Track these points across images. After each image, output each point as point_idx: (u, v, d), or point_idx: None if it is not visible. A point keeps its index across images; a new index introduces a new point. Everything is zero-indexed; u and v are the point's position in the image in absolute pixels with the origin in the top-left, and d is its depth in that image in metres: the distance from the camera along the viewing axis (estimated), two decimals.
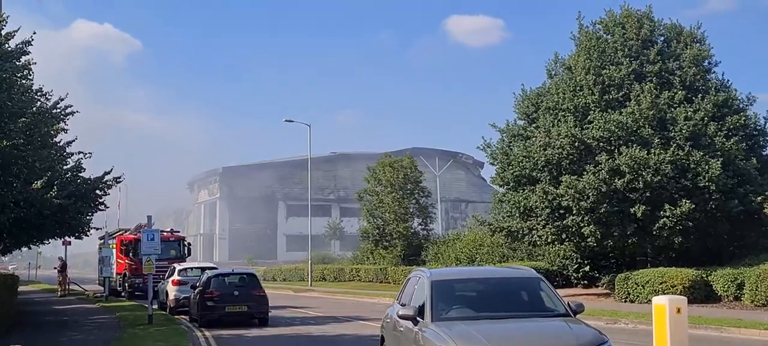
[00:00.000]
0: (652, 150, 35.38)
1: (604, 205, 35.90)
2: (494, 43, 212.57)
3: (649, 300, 22.54)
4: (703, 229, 36.54)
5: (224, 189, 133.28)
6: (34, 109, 33.36)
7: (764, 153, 39.59)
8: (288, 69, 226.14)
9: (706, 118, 36.24)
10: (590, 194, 35.61)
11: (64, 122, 37.33)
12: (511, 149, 41.14)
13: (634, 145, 35.44)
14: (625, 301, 36.02)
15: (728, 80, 40.06)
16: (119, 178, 38.53)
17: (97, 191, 37.70)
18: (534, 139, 38.82)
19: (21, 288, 48.53)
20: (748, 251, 37.19)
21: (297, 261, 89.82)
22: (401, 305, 14.79)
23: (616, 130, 36.15)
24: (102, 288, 54.38)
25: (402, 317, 13.58)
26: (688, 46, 39.28)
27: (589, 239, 37.41)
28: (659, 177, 34.91)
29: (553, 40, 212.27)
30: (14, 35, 30.88)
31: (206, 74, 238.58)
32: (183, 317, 35.71)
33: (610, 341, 11.97)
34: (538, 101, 41.41)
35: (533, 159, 38.26)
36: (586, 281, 44.65)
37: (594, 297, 38.91)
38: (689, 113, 36.27)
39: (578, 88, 38.86)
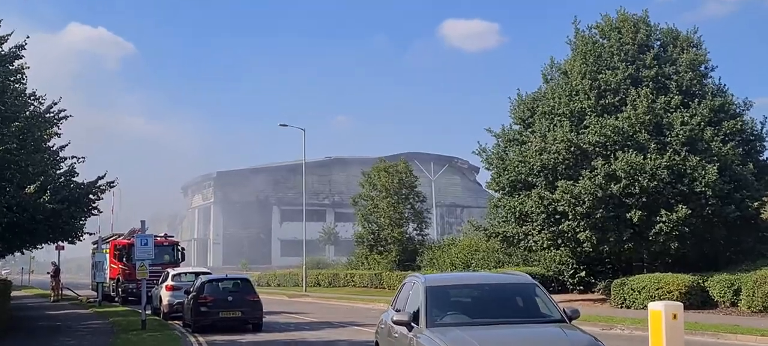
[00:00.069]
0: (649, 155, 35.42)
1: (600, 210, 35.92)
2: (490, 47, 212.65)
3: (646, 306, 22.59)
4: (699, 234, 36.58)
5: (218, 194, 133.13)
6: (27, 113, 33.37)
7: (761, 158, 39.66)
8: (282, 73, 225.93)
9: (702, 123, 36.28)
10: (586, 199, 35.64)
11: (58, 127, 37.38)
12: (507, 154, 41.16)
13: (631, 150, 35.49)
14: (622, 307, 36.04)
15: (725, 85, 40.26)
16: (113, 182, 38.51)
17: (91, 196, 37.69)
18: (530, 143, 38.84)
19: (14, 293, 48.45)
20: (745, 256, 37.23)
21: (291, 266, 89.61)
22: (396, 310, 14.78)
23: (612, 135, 36.19)
24: (95, 293, 54.32)
25: (396, 323, 13.57)
26: (685, 51, 39.34)
27: (585, 245, 37.45)
28: (655, 182, 34.94)
29: (549, 45, 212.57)
30: (7, 39, 30.91)
31: (200, 78, 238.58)
32: (176, 322, 35.62)
33: None
34: (534, 106, 41.44)
35: (529, 164, 38.28)
36: (582, 287, 44.62)
37: (590, 303, 38.93)
38: (686, 118, 36.31)
39: (574, 92, 38.91)
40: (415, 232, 66.81)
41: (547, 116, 39.41)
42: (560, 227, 37.43)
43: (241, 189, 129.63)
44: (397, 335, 13.81)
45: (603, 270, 43.21)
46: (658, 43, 40.74)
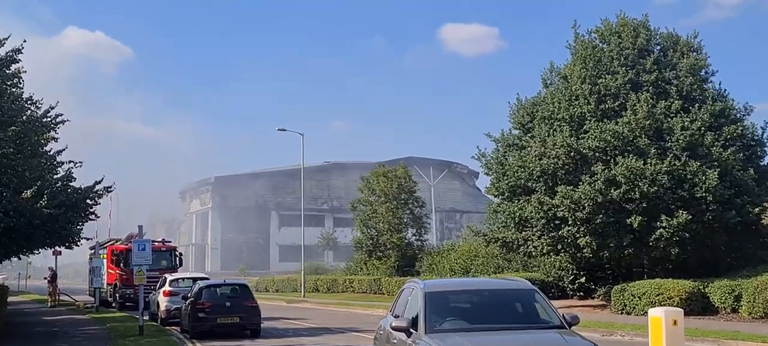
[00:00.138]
0: (649, 160, 35.39)
1: (600, 215, 35.88)
2: (489, 51, 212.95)
3: (646, 312, 22.57)
4: (700, 240, 36.54)
5: (216, 199, 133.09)
6: (24, 117, 33.41)
7: (762, 163, 39.61)
8: (281, 77, 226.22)
9: (703, 128, 36.25)
10: (586, 205, 35.61)
11: (55, 131, 37.34)
12: (506, 159, 41.13)
13: (631, 156, 35.45)
14: (622, 313, 36.00)
15: (725, 90, 40.15)
16: (110, 187, 38.50)
17: (88, 201, 37.67)
18: (529, 149, 38.81)
19: (11, 299, 48.45)
20: (746, 262, 37.20)
21: (290, 272, 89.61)
22: (394, 316, 14.76)
23: (612, 140, 36.16)
24: (92, 299, 54.30)
25: (395, 329, 13.55)
26: (685, 56, 39.30)
27: (584, 250, 37.41)
28: (656, 188, 34.91)
29: (549, 49, 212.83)
30: (4, 43, 30.91)
31: (198, 83, 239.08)
32: (174, 328, 35.65)
33: None
34: (534, 111, 41.41)
35: (528, 169, 38.24)
36: (581, 293, 44.59)
37: (590, 309, 38.90)
38: (686, 123, 36.29)
39: (574, 97, 38.87)
40: (414, 237, 66.80)
41: (547, 121, 39.39)
42: (560, 232, 37.40)
43: (239, 194, 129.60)
44: (395, 341, 13.79)
45: (603, 276, 43.16)
46: (658, 47, 40.70)
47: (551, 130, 38.56)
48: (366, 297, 58.82)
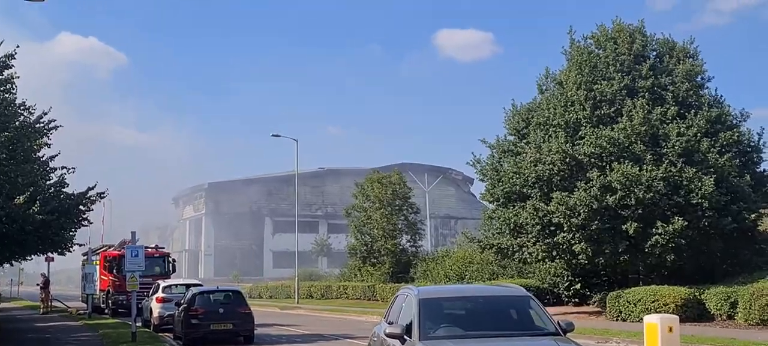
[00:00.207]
0: (645, 166, 35.43)
1: (596, 222, 35.93)
2: (484, 57, 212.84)
3: (641, 319, 22.60)
4: (696, 246, 36.59)
5: (210, 205, 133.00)
6: (17, 123, 33.38)
7: (758, 170, 39.65)
8: (275, 83, 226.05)
9: (699, 135, 36.30)
10: (581, 211, 35.65)
11: (48, 137, 37.38)
12: (501, 165, 41.16)
13: (626, 162, 35.49)
14: (617, 319, 36.00)
15: (721, 96, 40.20)
16: (103, 193, 38.53)
17: (81, 207, 37.71)
18: (524, 155, 38.85)
19: (3, 305, 48.56)
20: (742, 269, 37.22)
21: (284, 278, 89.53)
22: (388, 323, 14.76)
23: (608, 146, 36.21)
24: (85, 305, 54.26)
25: (389, 336, 13.56)
26: (681, 61, 39.38)
27: (580, 257, 37.44)
28: (651, 194, 34.95)
29: (544, 55, 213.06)
30: None
31: (192, 89, 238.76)
32: (167, 334, 35.60)
33: None
34: (529, 117, 41.48)
35: (524, 175, 38.27)
36: (577, 299, 44.59)
37: (585, 315, 38.90)
38: (682, 129, 36.35)
39: (569, 103, 38.92)
40: (408, 243, 66.73)
41: (542, 127, 39.43)
42: (555, 238, 37.41)
43: (233, 200, 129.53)
44: None
45: (598, 282, 43.15)
46: (654, 53, 40.79)
47: (546, 136, 38.60)
48: (360, 304, 58.80)
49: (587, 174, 36.39)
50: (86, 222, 39.58)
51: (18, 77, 32.40)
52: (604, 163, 36.42)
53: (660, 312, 29.90)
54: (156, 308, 38.62)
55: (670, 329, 17.07)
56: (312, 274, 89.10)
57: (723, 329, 30.83)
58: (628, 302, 35.71)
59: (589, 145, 36.49)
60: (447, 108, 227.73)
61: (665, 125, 36.87)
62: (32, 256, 44.53)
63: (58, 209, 34.75)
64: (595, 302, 42.24)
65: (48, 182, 36.73)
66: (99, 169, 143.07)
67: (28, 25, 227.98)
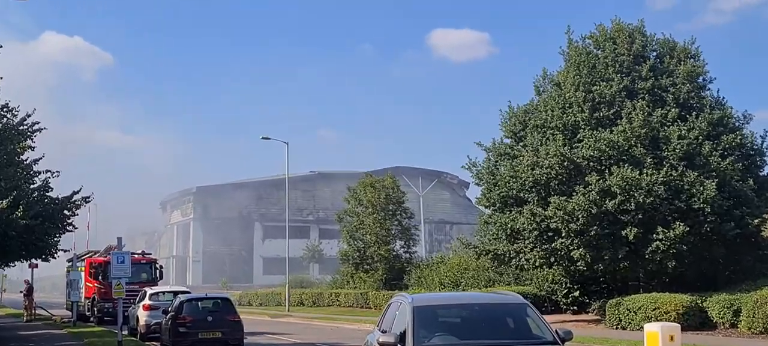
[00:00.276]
0: (645, 170, 35.41)
1: (595, 227, 35.91)
2: (480, 57, 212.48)
3: (642, 327, 22.61)
4: (697, 253, 36.56)
5: (198, 209, 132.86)
6: (0, 126, 33.34)
7: (761, 173, 39.65)
8: (265, 84, 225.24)
9: (700, 137, 36.30)
10: (580, 216, 35.62)
11: (31, 139, 37.33)
12: (498, 169, 41.15)
13: (626, 165, 35.46)
14: (617, 328, 35.99)
15: (723, 97, 40.20)
16: (88, 197, 38.53)
17: (65, 211, 37.69)
18: (521, 158, 38.82)
19: None
20: (745, 275, 37.22)
21: (274, 285, 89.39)
22: (381, 331, 14.75)
23: (607, 149, 36.20)
24: (70, 313, 54.13)
25: (382, 345, 13.52)
26: (682, 62, 39.37)
27: (578, 263, 37.41)
28: (652, 198, 34.93)
29: (542, 56, 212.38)
30: None
31: (180, 90, 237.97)
32: (154, 343, 35.55)
33: None
34: (526, 119, 41.46)
35: (520, 179, 38.25)
36: (575, 307, 44.57)
37: (584, 324, 38.91)
38: (683, 132, 36.35)
39: (567, 105, 38.92)
40: (402, 249, 66.63)
41: (540, 130, 39.42)
42: (553, 244, 37.38)
43: (221, 205, 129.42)
44: None
45: (597, 290, 43.16)
46: (655, 54, 40.79)
47: (544, 139, 38.59)
48: (352, 311, 58.77)
49: (586, 178, 36.35)
50: (71, 227, 39.56)
51: (0, 78, 32.35)
52: (603, 167, 36.40)
53: (661, 320, 29.89)
54: (143, 316, 38.58)
55: (672, 338, 17.07)
56: (303, 281, 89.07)
57: (726, 338, 30.85)
58: (628, 309, 35.68)
59: (588, 149, 36.47)
60: (441, 110, 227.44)
61: (666, 128, 36.87)
62: (15, 262, 44.44)
63: (42, 213, 34.71)
64: (594, 309, 42.24)
65: (32, 186, 36.70)
66: (84, 171, 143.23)
67: (10, 24, 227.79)
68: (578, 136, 37.86)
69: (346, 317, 52.57)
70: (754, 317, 31.16)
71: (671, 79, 38.78)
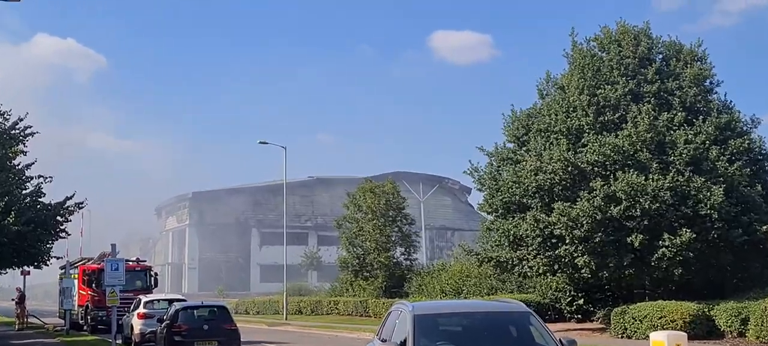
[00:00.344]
0: (650, 175, 35.39)
1: (599, 234, 35.88)
2: (482, 60, 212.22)
3: (648, 336, 22.60)
4: (704, 260, 36.52)
5: (194, 215, 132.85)
6: None
7: None
8: (262, 87, 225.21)
9: (707, 142, 36.29)
10: (584, 222, 35.60)
11: (24, 144, 37.31)
12: (500, 174, 41.13)
13: (631, 170, 35.46)
14: (622, 336, 35.98)
15: (731, 101, 40.24)
16: (82, 203, 38.51)
17: (58, 218, 37.68)
18: (524, 163, 38.79)
19: None
20: (753, 283, 37.21)
21: (271, 293, 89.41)
22: (381, 340, 14.74)
23: (612, 154, 36.18)
24: (62, 321, 54.13)
25: None
26: (689, 65, 39.36)
27: (583, 270, 37.39)
28: (658, 204, 34.91)
29: (545, 58, 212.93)
30: None
31: (175, 94, 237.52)
32: None
33: None
34: (529, 123, 41.46)
35: (523, 185, 38.22)
36: (580, 315, 44.54)
37: (588, 332, 38.89)
38: (690, 136, 36.33)
39: (571, 109, 38.91)
40: (402, 256, 66.56)
41: (543, 134, 39.42)
42: (557, 251, 37.35)
43: (218, 211, 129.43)
44: None
45: (602, 298, 43.11)
46: (660, 56, 40.78)
47: (548, 144, 38.58)
48: (352, 320, 58.73)
49: (590, 183, 36.34)
50: (64, 234, 39.56)
51: None
52: (608, 172, 36.38)
53: (667, 329, 29.87)
54: (137, 325, 38.50)
55: None
56: (301, 288, 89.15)
57: None
58: (633, 318, 35.65)
59: (593, 153, 36.46)
60: (443, 113, 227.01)
61: (672, 132, 36.85)
62: (7, 269, 44.42)
63: (35, 219, 34.71)
64: (598, 318, 42.20)
65: (24, 192, 36.70)
66: (78, 177, 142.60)
67: (3, 25, 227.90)
68: (582, 140, 37.84)
69: (345, 326, 52.52)
70: (762, 325, 31.09)
71: (677, 82, 38.77)
